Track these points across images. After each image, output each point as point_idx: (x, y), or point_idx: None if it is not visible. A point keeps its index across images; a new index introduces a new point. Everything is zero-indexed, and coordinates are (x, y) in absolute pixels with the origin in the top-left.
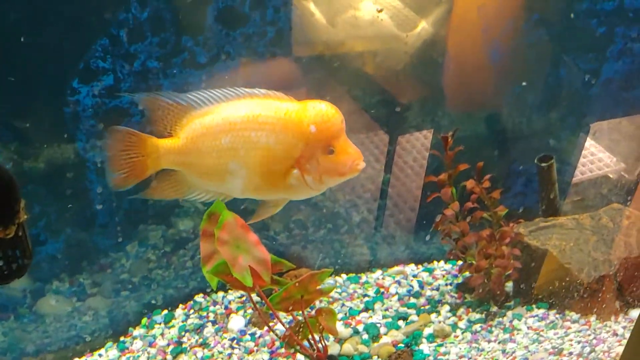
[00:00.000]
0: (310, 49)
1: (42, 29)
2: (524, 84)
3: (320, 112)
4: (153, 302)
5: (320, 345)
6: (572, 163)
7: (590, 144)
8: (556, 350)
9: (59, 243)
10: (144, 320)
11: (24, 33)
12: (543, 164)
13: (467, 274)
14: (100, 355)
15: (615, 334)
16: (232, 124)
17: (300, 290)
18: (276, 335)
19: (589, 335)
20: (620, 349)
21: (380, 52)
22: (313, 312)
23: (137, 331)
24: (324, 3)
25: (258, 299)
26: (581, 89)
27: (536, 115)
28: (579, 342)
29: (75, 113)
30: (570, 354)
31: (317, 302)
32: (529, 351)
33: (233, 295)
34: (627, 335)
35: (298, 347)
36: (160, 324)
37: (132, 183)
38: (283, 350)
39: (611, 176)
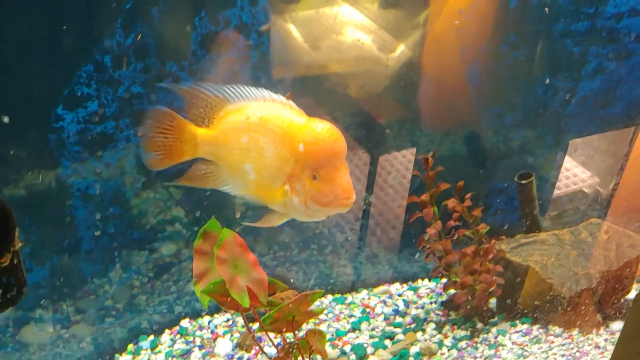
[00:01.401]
0: (292, 71)
1: (27, 55)
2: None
3: (312, 132)
4: (138, 328)
5: None
6: (550, 179)
7: (566, 160)
8: None
9: (44, 270)
10: (130, 347)
11: (8, 59)
12: (523, 182)
13: (451, 291)
14: None
15: (597, 347)
16: (251, 124)
17: (292, 311)
18: (267, 356)
19: (572, 348)
20: None
21: (362, 75)
22: (302, 334)
23: (123, 358)
24: (306, 27)
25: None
26: (558, 107)
27: (514, 133)
28: (562, 356)
29: (59, 139)
30: None
31: (304, 325)
32: None
33: (219, 319)
34: (609, 347)
35: None
36: (146, 349)
37: (167, 165)
38: None
39: (586, 191)
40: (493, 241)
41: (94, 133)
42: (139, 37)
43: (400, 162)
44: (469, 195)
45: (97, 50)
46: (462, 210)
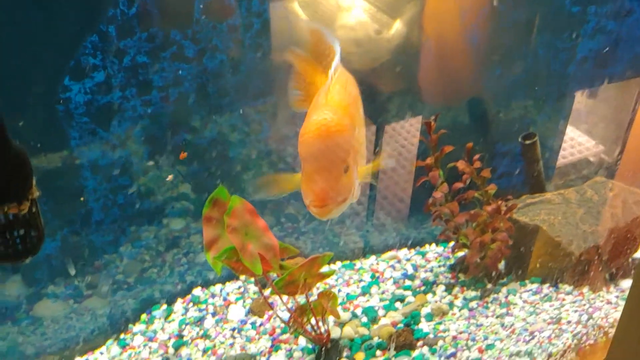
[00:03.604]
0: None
1: (33, 26)
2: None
3: (307, 121)
4: (151, 298)
5: (322, 328)
6: (553, 141)
7: (570, 128)
8: (554, 319)
9: (55, 241)
10: (143, 317)
11: (14, 31)
12: (527, 142)
13: (459, 254)
14: (101, 353)
15: (609, 302)
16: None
17: (303, 273)
18: (281, 319)
19: (584, 304)
20: (617, 315)
21: (364, 46)
22: (314, 297)
23: (137, 327)
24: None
25: (254, 287)
26: (559, 69)
27: (516, 96)
28: (575, 311)
29: (67, 110)
30: (569, 322)
31: (314, 290)
32: (528, 323)
33: (231, 287)
34: (621, 303)
35: (302, 331)
36: (159, 318)
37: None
38: (285, 336)
39: (591, 159)
40: (499, 202)
41: (101, 104)
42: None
43: (405, 133)
44: (477, 156)
45: (102, 20)
46: (471, 172)
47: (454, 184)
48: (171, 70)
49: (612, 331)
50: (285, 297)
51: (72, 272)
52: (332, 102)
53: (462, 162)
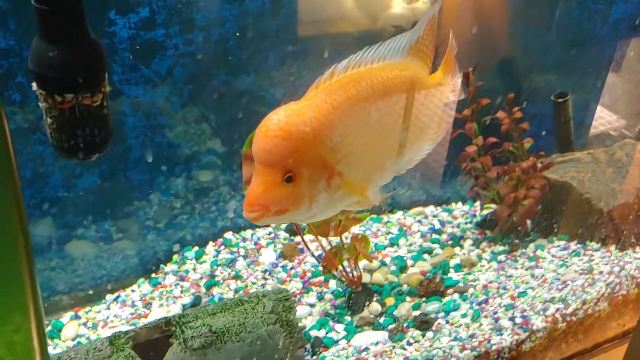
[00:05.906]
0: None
1: None
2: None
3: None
4: (183, 240)
5: (354, 272)
6: (584, 111)
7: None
8: (586, 270)
9: (93, 177)
10: (175, 257)
11: None
12: (559, 100)
13: (486, 212)
14: (132, 290)
15: (638, 259)
16: None
17: (338, 215)
18: (315, 257)
19: (614, 260)
20: None
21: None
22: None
23: (169, 267)
24: None
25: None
26: (593, 30)
27: (546, 60)
28: (606, 264)
29: (111, 44)
30: (601, 272)
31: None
32: (559, 273)
33: (262, 232)
34: None
35: (335, 272)
36: (191, 259)
37: None
38: (316, 279)
39: (612, 133)
40: (531, 158)
41: (145, 39)
42: None
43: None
44: (517, 108)
45: None
46: (510, 123)
47: (487, 138)
48: (214, 10)
49: None
50: (316, 244)
51: (150, 159)
52: (311, 100)
53: (502, 112)
